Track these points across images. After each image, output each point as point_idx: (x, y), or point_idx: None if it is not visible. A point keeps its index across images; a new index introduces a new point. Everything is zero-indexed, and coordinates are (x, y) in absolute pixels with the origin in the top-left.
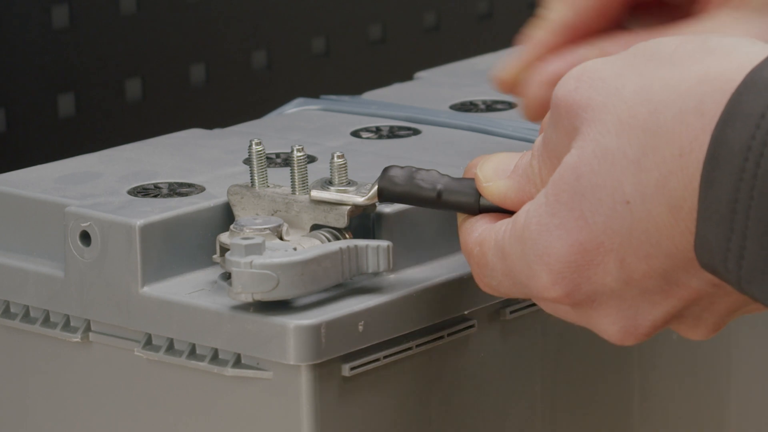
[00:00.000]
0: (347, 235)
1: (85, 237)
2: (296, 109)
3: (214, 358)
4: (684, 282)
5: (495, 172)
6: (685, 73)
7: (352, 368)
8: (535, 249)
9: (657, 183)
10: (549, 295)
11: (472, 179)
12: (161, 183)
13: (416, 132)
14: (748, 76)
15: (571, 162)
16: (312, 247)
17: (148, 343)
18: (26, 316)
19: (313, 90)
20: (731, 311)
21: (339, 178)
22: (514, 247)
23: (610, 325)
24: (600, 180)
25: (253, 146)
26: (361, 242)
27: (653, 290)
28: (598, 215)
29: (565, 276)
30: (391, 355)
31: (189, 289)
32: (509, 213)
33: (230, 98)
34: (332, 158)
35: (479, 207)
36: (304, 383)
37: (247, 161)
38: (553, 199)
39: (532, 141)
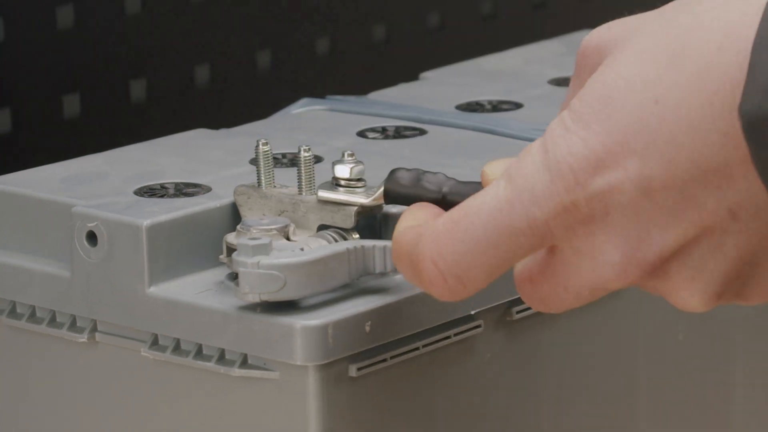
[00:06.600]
0: (354, 236)
1: (92, 237)
2: (302, 109)
3: (221, 358)
4: (701, 200)
5: None
6: None
7: (359, 369)
8: (557, 153)
9: (689, 80)
10: (566, 198)
11: (478, 182)
12: (167, 183)
13: (422, 132)
14: None
15: (596, 76)
16: (319, 247)
17: (155, 344)
18: (32, 317)
19: (318, 90)
20: (735, 266)
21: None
22: (537, 155)
23: (613, 249)
24: (631, 78)
25: (260, 146)
26: (368, 243)
27: (667, 209)
28: (625, 114)
29: (587, 171)
30: (397, 355)
31: (196, 289)
32: None
33: (235, 99)
34: (342, 156)
35: None
36: (310, 384)
37: (254, 161)
38: (577, 105)
39: None
